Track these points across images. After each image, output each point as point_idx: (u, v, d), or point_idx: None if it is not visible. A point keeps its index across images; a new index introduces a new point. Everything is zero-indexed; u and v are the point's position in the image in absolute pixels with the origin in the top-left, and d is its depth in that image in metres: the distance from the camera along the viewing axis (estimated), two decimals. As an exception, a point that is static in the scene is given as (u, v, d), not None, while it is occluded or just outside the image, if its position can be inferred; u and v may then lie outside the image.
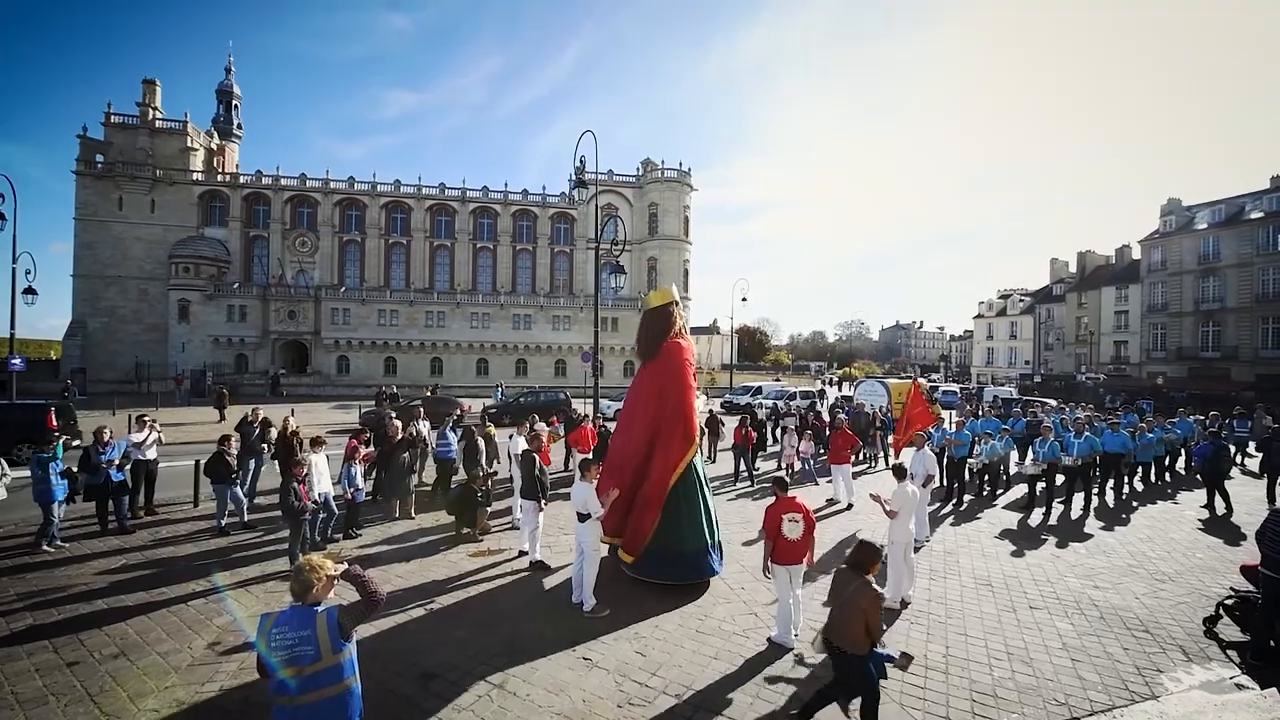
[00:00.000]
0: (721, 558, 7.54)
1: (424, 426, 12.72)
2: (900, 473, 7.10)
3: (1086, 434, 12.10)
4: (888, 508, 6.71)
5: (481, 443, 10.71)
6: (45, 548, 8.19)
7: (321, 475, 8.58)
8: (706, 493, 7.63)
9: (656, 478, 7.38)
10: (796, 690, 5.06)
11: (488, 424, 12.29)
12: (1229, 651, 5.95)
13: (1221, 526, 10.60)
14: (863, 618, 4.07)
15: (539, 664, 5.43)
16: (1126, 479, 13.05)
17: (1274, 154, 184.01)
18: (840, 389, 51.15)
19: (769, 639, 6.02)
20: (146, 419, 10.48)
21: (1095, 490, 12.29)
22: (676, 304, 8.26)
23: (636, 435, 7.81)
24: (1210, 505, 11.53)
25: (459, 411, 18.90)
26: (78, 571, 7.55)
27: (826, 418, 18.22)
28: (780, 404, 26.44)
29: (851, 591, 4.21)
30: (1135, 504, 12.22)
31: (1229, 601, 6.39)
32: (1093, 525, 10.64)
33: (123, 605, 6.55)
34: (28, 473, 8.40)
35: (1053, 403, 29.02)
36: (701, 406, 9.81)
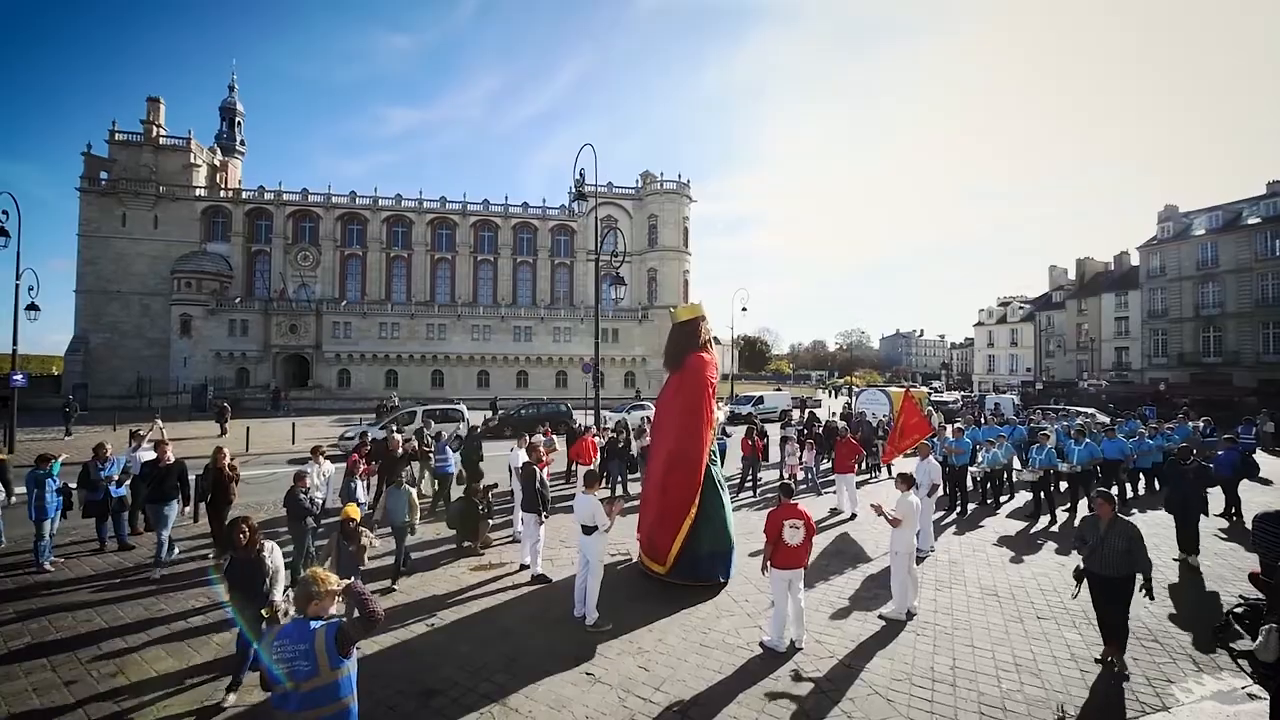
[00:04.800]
0: (730, 565, 7.90)
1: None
2: (907, 482, 7.07)
3: (1086, 441, 12.07)
4: (890, 516, 6.67)
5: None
6: (47, 566, 8.14)
7: (320, 486, 8.59)
8: (724, 497, 8.00)
9: (678, 495, 7.63)
10: (802, 705, 4.99)
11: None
12: (1240, 661, 5.86)
13: (1230, 534, 10.53)
14: None
15: (541, 680, 5.36)
16: (1129, 486, 12.99)
17: (1270, 159, 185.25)
18: (833, 396, 50.35)
19: (761, 643, 6.02)
20: (142, 433, 10.46)
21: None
22: (704, 318, 8.69)
23: (660, 447, 8.19)
24: (1228, 513, 11.49)
25: (460, 425, 18.85)
26: (76, 589, 7.49)
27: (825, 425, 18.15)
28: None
29: None
30: (1135, 510, 12.13)
31: (1239, 610, 6.31)
32: (1098, 533, 10.54)
33: (121, 623, 6.50)
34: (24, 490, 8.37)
35: (1097, 414, 25.67)
36: (722, 417, 9.97)
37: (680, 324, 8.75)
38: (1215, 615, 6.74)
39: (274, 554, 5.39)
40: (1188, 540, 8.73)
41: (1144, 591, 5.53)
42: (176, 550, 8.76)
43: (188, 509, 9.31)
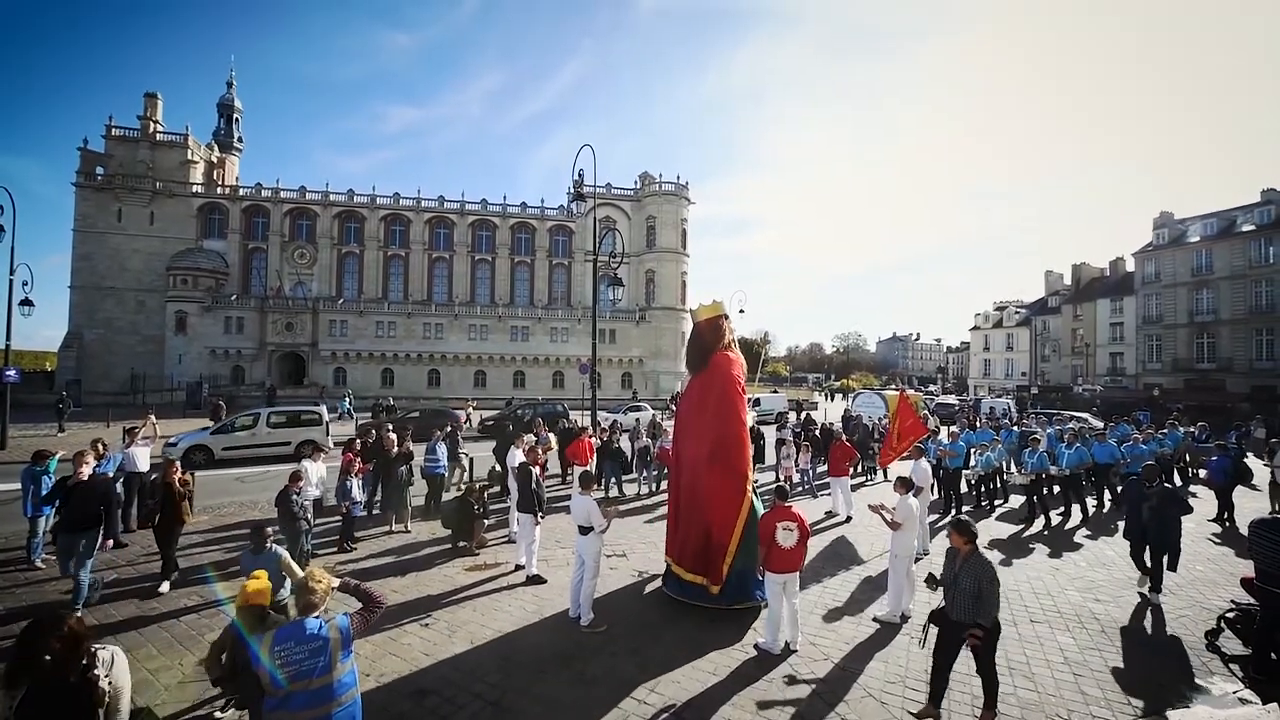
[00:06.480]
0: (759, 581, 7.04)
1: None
2: (906, 485, 7.09)
3: (1077, 445, 12.15)
4: (891, 518, 6.69)
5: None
6: (39, 564, 8.09)
7: (316, 484, 8.58)
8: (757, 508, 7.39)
9: (728, 499, 7.13)
10: (797, 708, 5.00)
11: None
12: (1231, 665, 5.90)
13: (1223, 539, 10.60)
14: None
15: (535, 680, 5.36)
16: (1121, 490, 13.06)
17: (1265, 167, 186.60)
18: (830, 399, 49.89)
19: (755, 645, 6.02)
20: (136, 429, 10.39)
21: (1093, 501, 12.31)
22: (726, 317, 8.44)
23: (693, 453, 7.57)
24: (1220, 518, 11.56)
25: (449, 426, 18.68)
26: (68, 586, 7.42)
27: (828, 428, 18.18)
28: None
29: None
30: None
31: (1230, 615, 6.36)
32: (1089, 538, 10.61)
33: (113, 620, 6.47)
34: (18, 486, 8.32)
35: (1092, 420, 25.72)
36: (750, 421, 9.27)
37: (702, 322, 8.34)
38: (1207, 619, 6.80)
39: (115, 669, 2.85)
40: (1154, 574, 7.65)
41: (975, 639, 4.61)
42: (98, 594, 7.00)
43: (110, 543, 8.38)
